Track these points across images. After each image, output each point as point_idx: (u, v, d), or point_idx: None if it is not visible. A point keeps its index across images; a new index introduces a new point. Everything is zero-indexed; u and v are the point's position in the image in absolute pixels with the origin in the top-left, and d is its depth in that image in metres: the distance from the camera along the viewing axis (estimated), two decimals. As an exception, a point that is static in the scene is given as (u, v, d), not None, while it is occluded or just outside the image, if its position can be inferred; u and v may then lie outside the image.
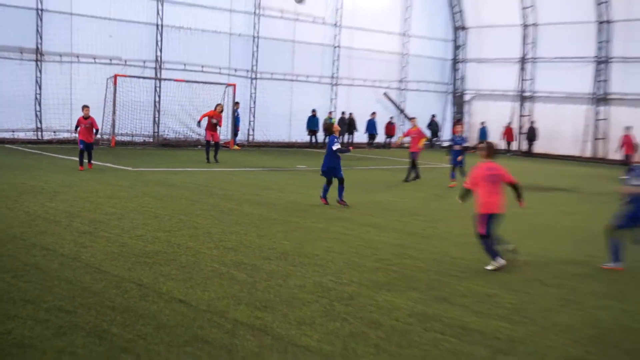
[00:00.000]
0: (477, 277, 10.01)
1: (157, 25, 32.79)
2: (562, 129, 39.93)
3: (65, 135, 30.54)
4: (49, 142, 30.00)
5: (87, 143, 21.24)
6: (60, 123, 30.49)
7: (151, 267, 9.43)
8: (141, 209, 14.26)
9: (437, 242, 12.71)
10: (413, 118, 21.43)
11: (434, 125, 43.36)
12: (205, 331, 6.90)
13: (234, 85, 34.68)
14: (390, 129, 41.13)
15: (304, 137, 38.32)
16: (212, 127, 27.28)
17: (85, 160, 21.13)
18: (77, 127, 21.88)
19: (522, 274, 10.31)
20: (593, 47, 38.47)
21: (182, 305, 7.75)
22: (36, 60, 29.78)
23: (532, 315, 8.14)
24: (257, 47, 36.29)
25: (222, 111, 27.91)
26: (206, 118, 26.80)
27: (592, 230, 14.97)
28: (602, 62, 38.40)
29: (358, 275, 9.66)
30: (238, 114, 34.69)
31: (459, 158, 21.79)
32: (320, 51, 38.90)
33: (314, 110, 37.95)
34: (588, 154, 39.22)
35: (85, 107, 21.74)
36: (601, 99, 38.60)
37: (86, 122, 21.38)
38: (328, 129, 17.43)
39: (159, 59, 33.06)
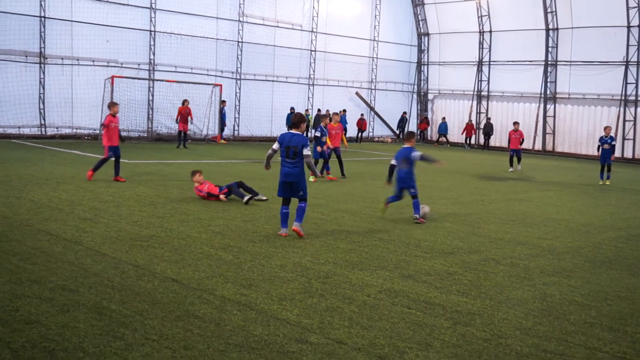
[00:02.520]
0: (440, 257, 10.11)
1: (151, 32, 32.65)
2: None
3: (67, 131, 30.40)
4: (52, 137, 29.82)
5: (117, 148, 16.99)
6: (62, 120, 30.41)
7: (146, 249, 9.45)
8: (137, 197, 14.25)
9: (404, 226, 12.79)
10: (335, 113, 19.56)
11: (404, 122, 43.59)
12: (196, 307, 6.94)
13: (221, 86, 34.79)
14: (361, 124, 41.25)
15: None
16: (184, 120, 30.26)
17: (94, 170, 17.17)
18: (104, 125, 17.41)
19: (480, 255, 10.43)
20: (542, 51, 38.79)
21: (174, 284, 7.78)
22: (40, 63, 29.56)
23: (488, 291, 8.25)
24: (241, 51, 36.25)
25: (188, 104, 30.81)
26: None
27: (541, 215, 15.19)
28: (551, 65, 38.73)
29: (333, 255, 9.75)
30: (224, 112, 34.70)
31: None
32: (298, 55, 38.96)
33: (292, 108, 38.03)
34: (538, 147, 39.61)
35: (114, 104, 17.61)
36: (549, 97, 38.96)
37: (116, 121, 17.13)
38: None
39: (152, 61, 32.92)
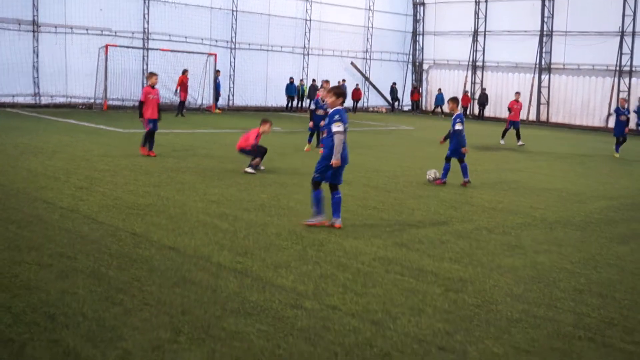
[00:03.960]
0: (433, 226, 10.19)
1: (145, 0, 32.33)
2: (510, 95, 40.10)
3: (61, 100, 30.23)
4: (46, 106, 29.68)
5: (156, 121, 16.57)
6: (57, 89, 30.25)
7: (143, 218, 9.49)
8: (132, 167, 14.25)
9: (397, 195, 12.87)
10: (152, 74, 17.07)
11: (394, 92, 43.49)
12: (193, 274, 7.01)
13: (215, 55, 34.60)
14: (356, 94, 41.12)
15: (279, 102, 38.24)
16: (185, 89, 30.90)
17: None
18: (142, 102, 16.60)
19: (473, 224, 10.52)
20: (538, 21, 38.62)
21: (171, 251, 7.84)
22: (33, 31, 29.31)
23: (479, 259, 8.34)
24: (236, 20, 35.99)
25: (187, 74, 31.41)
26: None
27: (533, 184, 15.28)
28: (546, 35, 38.58)
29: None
30: (219, 81, 34.58)
31: None
32: (293, 24, 38.71)
33: (291, 78, 38.03)
34: (532, 117, 39.61)
35: (153, 75, 16.77)
36: (544, 68, 38.88)
37: (154, 93, 16.50)
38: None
39: (146, 30, 32.70)
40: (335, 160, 9.14)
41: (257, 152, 14.62)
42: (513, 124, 26.49)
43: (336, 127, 9.12)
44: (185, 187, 12.20)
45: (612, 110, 24.02)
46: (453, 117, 14.45)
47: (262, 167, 14.79)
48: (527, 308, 6.55)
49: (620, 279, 7.77)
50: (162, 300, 6.11)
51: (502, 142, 26.47)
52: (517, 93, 28.09)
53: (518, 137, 26.24)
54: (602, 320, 6.31)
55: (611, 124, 27.44)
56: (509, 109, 27.29)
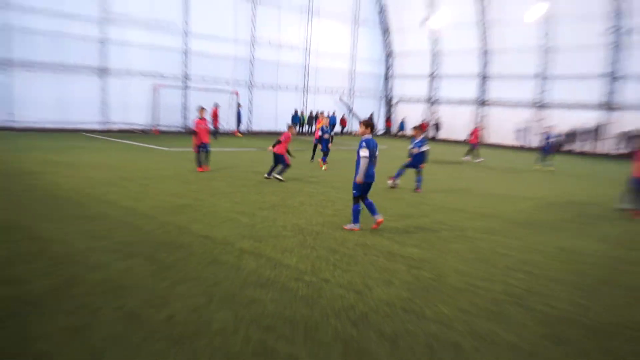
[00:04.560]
0: (400, 220, 10.23)
1: (185, 52, 32.39)
2: (457, 123, 40.28)
3: (123, 126, 30.19)
4: (111, 131, 29.60)
5: (207, 144, 15.69)
6: (119, 118, 30.11)
7: (184, 214, 9.49)
8: (175, 176, 14.23)
9: (375, 199, 12.87)
10: (202, 108, 16.05)
11: (371, 120, 43.65)
12: (222, 256, 7.08)
13: (237, 92, 34.63)
14: (343, 122, 41.15)
15: (286, 128, 38.26)
16: (216, 117, 30.75)
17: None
18: (195, 132, 15.71)
19: (429, 218, 10.52)
20: (478, 67, 38.82)
21: (206, 239, 7.88)
22: (102, 76, 29.28)
23: (434, 244, 8.39)
24: (253, 66, 35.99)
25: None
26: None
27: (476, 190, 15.31)
28: (485, 77, 38.78)
29: (322, 219, 9.85)
30: (240, 112, 34.58)
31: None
32: (295, 69, 38.72)
33: (296, 110, 38.15)
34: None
35: (202, 109, 15.95)
36: (482, 102, 39.04)
37: (204, 123, 15.66)
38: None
39: (186, 74, 32.70)
40: (358, 178, 9.03)
41: (286, 162, 14.66)
42: (474, 145, 25.41)
43: (363, 153, 8.90)
44: (215, 192, 12.19)
45: (542, 135, 23.72)
46: (416, 142, 14.35)
47: (282, 178, 14.68)
48: (469, 280, 6.64)
49: (539, 260, 7.85)
50: (199, 276, 6.20)
51: (466, 158, 25.60)
52: (480, 124, 27.52)
53: (474, 155, 25.40)
54: (526, 290, 6.41)
55: (533, 143, 27.48)
56: (471, 135, 26.02)
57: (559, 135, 22.77)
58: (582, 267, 7.62)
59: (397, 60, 44.57)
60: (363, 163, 8.97)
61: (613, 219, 11.69)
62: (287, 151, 14.92)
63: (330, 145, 19.19)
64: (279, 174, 14.66)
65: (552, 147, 23.05)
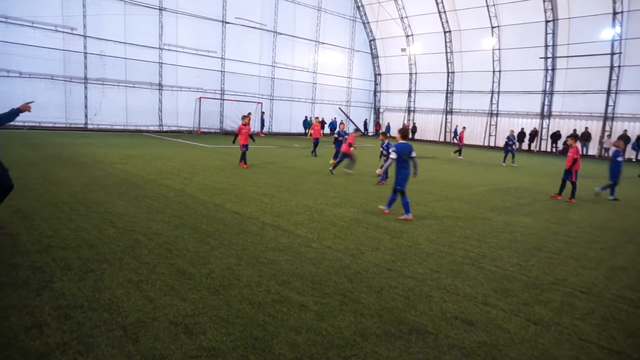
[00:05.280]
0: (384, 201, 10.10)
1: (222, 72, 32.21)
2: (429, 126, 40.08)
3: (174, 128, 30.17)
4: (166, 132, 29.60)
5: (247, 145, 14.62)
6: (172, 122, 30.12)
7: (220, 195, 9.48)
8: (214, 166, 14.23)
9: (365, 187, 12.83)
10: (245, 116, 14.80)
11: (366, 124, 43.39)
12: (248, 227, 7.05)
13: (262, 103, 34.50)
14: (341, 126, 40.76)
15: (299, 130, 38.04)
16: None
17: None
18: (237, 135, 14.79)
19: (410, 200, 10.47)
20: (445, 85, 38.47)
21: (236, 214, 7.85)
22: (159, 90, 29.21)
23: (412, 220, 8.37)
24: (273, 83, 35.80)
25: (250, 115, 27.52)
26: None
27: (442, 179, 15.22)
28: (450, 92, 38.42)
29: (325, 199, 9.78)
30: (264, 118, 34.45)
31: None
32: (306, 85, 38.47)
33: (306, 116, 37.97)
34: (442, 139, 39.46)
35: (245, 117, 14.68)
36: (449, 111, 38.72)
37: (247, 128, 14.49)
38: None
39: (222, 88, 32.54)
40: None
41: (352, 157, 14.09)
42: (461, 146, 24.52)
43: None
44: (244, 179, 12.19)
45: (505, 138, 22.41)
46: (384, 145, 13.51)
47: (351, 172, 13.98)
48: (437, 247, 6.59)
49: (490, 231, 7.78)
50: (231, 242, 6.17)
51: (453, 155, 24.74)
52: (464, 127, 26.78)
53: (460, 153, 24.54)
54: (479, 255, 6.35)
55: (493, 143, 27.24)
56: (459, 137, 24.82)
57: (513, 138, 21.72)
58: (521, 236, 7.54)
59: (383, 78, 44.22)
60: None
61: (544, 200, 11.58)
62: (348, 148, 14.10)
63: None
64: (348, 168, 14.16)
65: (512, 148, 21.56)
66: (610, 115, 29.42)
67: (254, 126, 33.74)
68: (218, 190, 10.11)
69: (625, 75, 28.50)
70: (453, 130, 37.93)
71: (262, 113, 34.39)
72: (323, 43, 38.92)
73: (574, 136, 12.10)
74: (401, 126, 40.83)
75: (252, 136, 14.90)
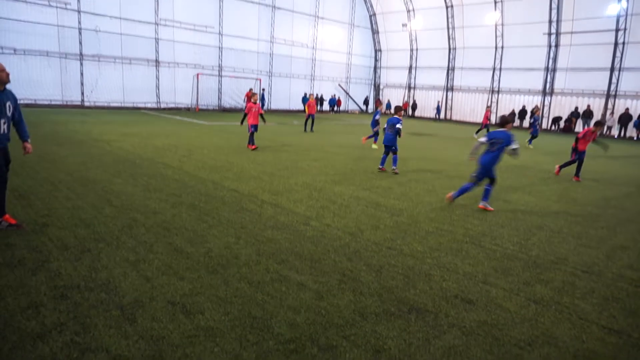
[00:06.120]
0: (384, 179, 10.08)
1: (219, 47, 31.61)
2: (429, 104, 39.64)
3: (172, 105, 29.81)
4: (163, 109, 29.27)
5: (257, 125, 13.58)
6: (169, 99, 29.75)
7: (219, 173, 9.40)
8: (212, 144, 14.07)
9: (365, 163, 12.71)
10: (254, 93, 13.82)
11: (367, 101, 42.96)
12: (247, 205, 6.99)
13: (260, 80, 34.01)
14: (339, 103, 40.37)
15: (298, 107, 37.62)
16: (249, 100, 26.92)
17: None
18: (245, 115, 13.93)
19: (406, 177, 10.37)
20: (447, 61, 37.88)
21: (235, 192, 7.79)
22: (156, 66, 28.74)
23: (410, 198, 8.29)
24: (272, 59, 35.20)
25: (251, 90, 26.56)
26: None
27: (442, 156, 15.08)
28: (451, 69, 37.85)
29: (324, 177, 9.69)
30: (263, 95, 34.01)
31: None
32: (304, 62, 37.84)
33: (305, 93, 37.45)
34: (442, 117, 39.11)
35: (254, 94, 13.54)
36: (450, 88, 38.23)
37: (256, 107, 13.44)
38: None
39: (220, 65, 32.02)
40: (470, 157, 7.89)
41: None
42: (486, 125, 22.74)
43: (482, 139, 7.57)
44: (242, 156, 12.04)
45: (530, 118, 20.75)
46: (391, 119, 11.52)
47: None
48: (437, 225, 6.54)
49: (485, 210, 7.74)
50: (230, 220, 6.11)
51: (476, 136, 23.29)
52: (489, 107, 25.12)
53: (480, 132, 23.31)
54: (479, 233, 6.31)
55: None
56: (485, 116, 22.98)
57: (538, 117, 19.85)
58: (522, 215, 7.49)
59: (383, 54, 43.50)
60: (476, 144, 7.71)
61: (545, 179, 11.50)
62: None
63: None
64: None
65: (536, 128, 19.84)
66: (613, 93, 29.06)
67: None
68: (216, 168, 10.00)
69: (629, 52, 28.01)
70: (436, 107, 37.82)
71: (262, 90, 33.97)
72: (322, 18, 38.14)
73: (600, 123, 11.45)
74: (401, 103, 40.50)
75: (262, 115, 13.82)
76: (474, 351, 3.34)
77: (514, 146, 7.34)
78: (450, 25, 36.95)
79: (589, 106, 29.87)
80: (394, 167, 10.88)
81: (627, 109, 28.23)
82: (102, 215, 5.94)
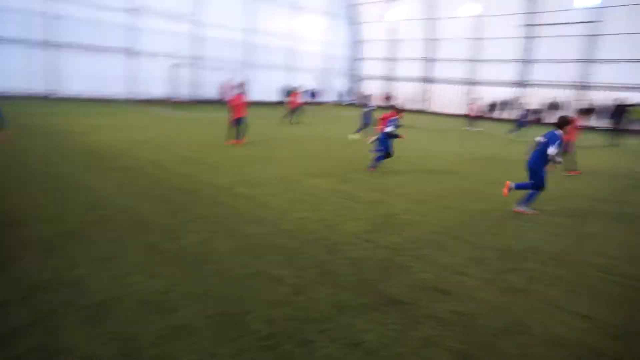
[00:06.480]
0: (360, 172, 10.09)
1: (196, 38, 30.87)
2: (407, 95, 39.89)
3: (145, 96, 29.00)
4: (137, 100, 28.44)
5: (242, 118, 12.70)
6: (143, 90, 28.92)
7: (194, 166, 9.22)
8: (187, 136, 13.73)
9: (343, 155, 12.70)
10: (242, 83, 12.26)
11: (346, 93, 42.97)
12: (223, 199, 6.90)
13: (237, 70, 33.45)
14: (317, 95, 40.19)
15: (276, 98, 37.09)
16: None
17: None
18: (231, 107, 12.81)
19: (383, 169, 10.42)
20: (425, 52, 38.11)
21: (210, 186, 7.66)
22: (129, 56, 27.88)
23: (387, 189, 8.28)
24: (250, 49, 34.65)
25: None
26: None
27: (420, 147, 15.17)
28: (429, 60, 38.13)
29: (302, 170, 9.64)
30: (243, 85, 33.41)
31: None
32: (283, 52, 37.41)
33: (286, 85, 36.88)
34: (420, 107, 39.40)
35: (243, 84, 11.34)
36: (427, 80, 38.54)
37: (242, 98, 12.77)
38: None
39: (196, 55, 31.29)
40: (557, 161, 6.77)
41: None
42: (470, 117, 23.54)
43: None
44: (219, 149, 11.80)
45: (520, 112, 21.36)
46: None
47: None
48: (412, 217, 6.60)
49: (463, 200, 7.80)
50: (205, 215, 6.02)
51: (467, 128, 23.60)
52: (474, 100, 25.46)
53: (471, 125, 23.71)
54: (455, 224, 6.39)
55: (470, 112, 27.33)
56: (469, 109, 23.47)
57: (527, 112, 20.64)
58: (493, 205, 7.63)
59: (362, 45, 43.44)
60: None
61: (519, 170, 11.73)
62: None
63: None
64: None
65: (522, 121, 20.60)
66: (587, 84, 29.85)
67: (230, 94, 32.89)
68: (191, 160, 9.82)
69: (604, 44, 28.76)
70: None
71: (240, 81, 33.39)
72: (302, 8, 37.75)
73: (586, 111, 11.40)
74: (385, 95, 40.63)
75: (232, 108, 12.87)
76: (449, 341, 3.39)
77: (550, 150, 6.57)
78: (429, 17, 37.16)
79: (555, 98, 30.65)
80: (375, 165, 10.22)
81: (590, 102, 29.01)
82: (71, 211, 5.76)
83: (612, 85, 28.85)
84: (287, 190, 7.68)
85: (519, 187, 7.25)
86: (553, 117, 30.31)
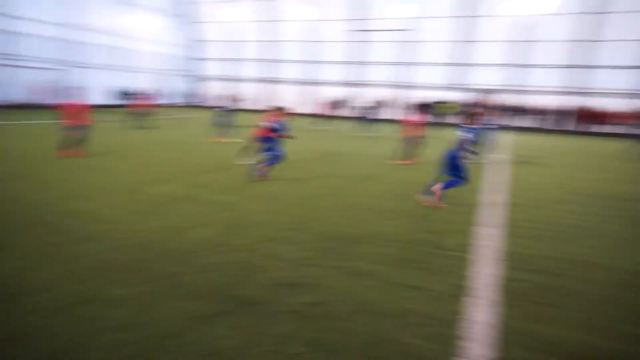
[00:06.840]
0: (207, 174, 9.71)
1: (9, 32, 26.05)
2: (250, 95, 40.27)
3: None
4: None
5: (81, 126, 11.21)
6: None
7: (8, 182, 7.78)
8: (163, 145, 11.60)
9: (188, 159, 12.11)
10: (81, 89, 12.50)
11: (187, 95, 41.07)
12: (50, 218, 5.97)
13: (63, 70, 29.28)
14: (157, 97, 37.82)
15: (106, 101, 33.59)
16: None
17: None
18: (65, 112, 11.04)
19: (230, 170, 10.40)
20: (267, 53, 38.94)
21: (34, 203, 6.52)
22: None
23: (237, 190, 8.21)
24: (73, 47, 30.62)
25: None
26: None
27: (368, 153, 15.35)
28: (272, 61, 39.05)
29: (149, 177, 8.88)
30: (67, 88, 29.37)
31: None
32: (114, 51, 34.04)
33: (121, 86, 33.61)
34: (265, 108, 39.86)
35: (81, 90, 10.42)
36: (272, 80, 39.43)
37: (79, 103, 11.29)
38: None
39: (10, 52, 26.39)
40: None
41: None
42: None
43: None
44: (47, 159, 10.12)
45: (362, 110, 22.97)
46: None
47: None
48: (265, 216, 6.66)
49: (310, 195, 8.08)
50: (23, 240, 5.13)
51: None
52: (328, 100, 25.65)
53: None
54: (302, 219, 6.65)
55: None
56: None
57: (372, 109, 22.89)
58: (338, 198, 8.18)
59: (203, 46, 42.27)
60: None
61: (356, 162, 12.85)
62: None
63: None
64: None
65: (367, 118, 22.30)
66: (409, 84, 34.31)
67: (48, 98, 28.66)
68: (5, 175, 8.31)
69: (425, 50, 33.38)
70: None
71: (68, 84, 29.27)
72: (131, 4, 34.86)
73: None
74: (232, 96, 39.80)
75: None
76: (306, 333, 3.55)
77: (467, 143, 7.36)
78: (269, 18, 38.07)
79: (383, 97, 34.80)
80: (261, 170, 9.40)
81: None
82: None
83: (429, 85, 33.78)
84: (131, 201, 7.05)
85: (446, 187, 7.66)
86: (383, 114, 34.13)
